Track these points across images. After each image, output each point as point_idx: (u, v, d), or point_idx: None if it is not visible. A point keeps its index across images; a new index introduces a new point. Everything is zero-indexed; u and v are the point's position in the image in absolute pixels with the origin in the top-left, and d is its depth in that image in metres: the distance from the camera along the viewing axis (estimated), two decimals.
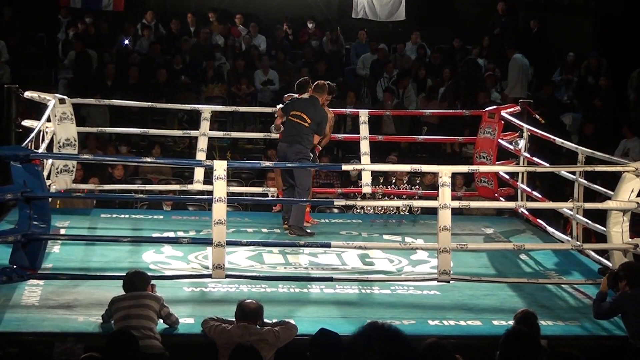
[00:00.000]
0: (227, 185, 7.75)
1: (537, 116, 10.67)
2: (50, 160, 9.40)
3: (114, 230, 9.22)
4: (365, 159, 10.17)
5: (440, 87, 15.22)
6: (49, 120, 9.40)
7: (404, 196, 10.78)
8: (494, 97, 14.76)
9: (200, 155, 10.14)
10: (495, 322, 6.95)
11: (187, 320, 6.72)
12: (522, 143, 9.89)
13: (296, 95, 9.62)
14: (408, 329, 6.79)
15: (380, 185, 10.96)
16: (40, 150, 8.75)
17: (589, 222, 8.53)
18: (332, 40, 16.34)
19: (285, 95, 9.93)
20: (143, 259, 8.39)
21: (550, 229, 9.39)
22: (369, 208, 10.85)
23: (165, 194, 11.14)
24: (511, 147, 10.15)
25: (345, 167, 8.41)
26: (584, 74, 15.64)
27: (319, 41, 16.40)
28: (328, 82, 9.64)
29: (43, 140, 9.31)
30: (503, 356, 4.81)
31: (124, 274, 6.73)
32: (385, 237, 9.49)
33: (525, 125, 9.94)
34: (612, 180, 8.55)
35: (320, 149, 9.85)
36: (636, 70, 14.86)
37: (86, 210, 10.36)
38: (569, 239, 8.86)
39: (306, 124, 9.24)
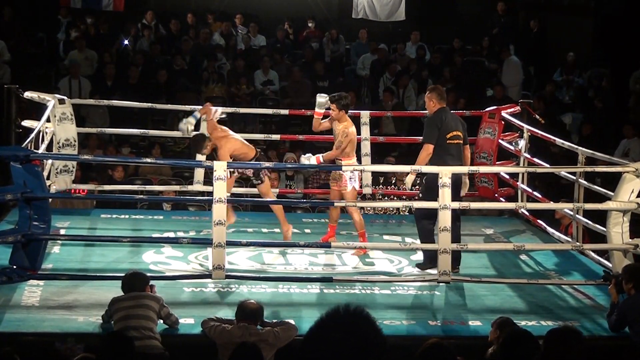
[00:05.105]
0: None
1: (537, 116, 10.67)
2: (50, 161, 9.40)
3: (114, 230, 9.22)
4: (366, 159, 10.17)
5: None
6: (48, 120, 9.40)
7: (404, 197, 10.77)
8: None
9: (200, 156, 10.12)
10: None
11: (187, 321, 6.73)
12: (522, 143, 9.89)
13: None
14: (408, 329, 6.83)
15: (381, 186, 10.96)
16: (40, 151, 8.75)
17: (589, 222, 8.53)
18: (332, 40, 16.34)
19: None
20: (143, 260, 8.39)
21: (550, 230, 9.39)
22: (369, 209, 10.84)
23: (166, 194, 11.13)
24: (511, 147, 10.15)
25: (345, 167, 8.38)
26: (587, 81, 15.65)
27: (319, 41, 16.40)
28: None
29: (43, 140, 9.30)
30: (503, 356, 4.81)
31: (124, 275, 6.74)
32: (386, 237, 9.49)
33: (526, 126, 9.94)
34: (613, 181, 8.54)
35: None
36: (638, 70, 14.85)
37: (86, 211, 10.36)
38: (569, 239, 8.87)
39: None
